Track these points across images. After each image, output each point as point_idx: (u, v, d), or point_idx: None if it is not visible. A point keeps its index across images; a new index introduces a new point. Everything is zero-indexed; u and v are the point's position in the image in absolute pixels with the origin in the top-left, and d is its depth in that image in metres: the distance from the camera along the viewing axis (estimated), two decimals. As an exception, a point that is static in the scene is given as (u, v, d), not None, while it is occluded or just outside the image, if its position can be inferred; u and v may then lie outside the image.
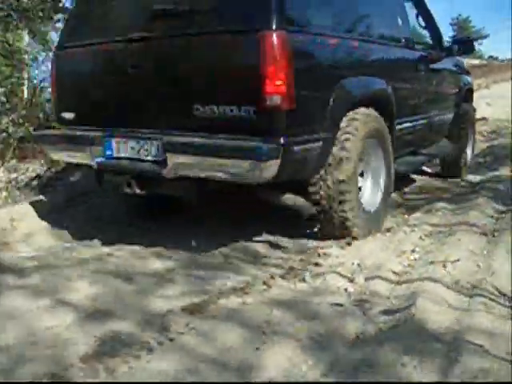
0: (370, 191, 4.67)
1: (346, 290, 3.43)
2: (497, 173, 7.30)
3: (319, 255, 4.10)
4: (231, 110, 3.61)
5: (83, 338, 2.80)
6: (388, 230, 4.77)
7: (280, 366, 2.54)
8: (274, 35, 3.50)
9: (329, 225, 4.30)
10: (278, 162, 3.50)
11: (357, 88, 4.35)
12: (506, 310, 3.07)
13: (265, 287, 3.51)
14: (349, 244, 4.30)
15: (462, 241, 4.27)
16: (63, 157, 4.78)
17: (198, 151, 3.71)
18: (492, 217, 5.09)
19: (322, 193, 4.15)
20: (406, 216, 5.26)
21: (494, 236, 4.48)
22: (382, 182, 4.74)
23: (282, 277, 3.71)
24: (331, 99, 3.97)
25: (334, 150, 4.08)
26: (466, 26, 40.98)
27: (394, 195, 5.62)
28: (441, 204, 5.56)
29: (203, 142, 3.70)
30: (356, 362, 2.58)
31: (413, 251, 4.13)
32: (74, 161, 4.68)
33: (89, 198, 5.52)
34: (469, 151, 7.49)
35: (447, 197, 6.04)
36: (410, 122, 5.45)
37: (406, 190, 6.61)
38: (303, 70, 3.75)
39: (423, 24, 6.35)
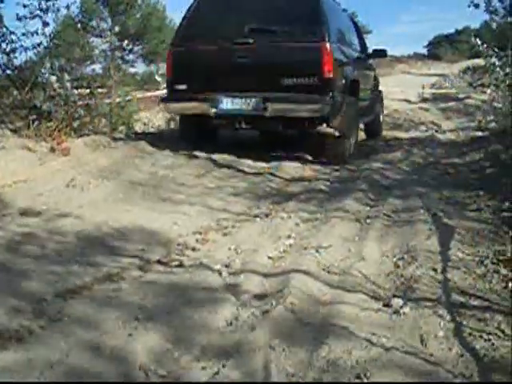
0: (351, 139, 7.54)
1: (220, 274, 3.46)
2: (372, 162, 7.64)
3: (197, 240, 4.11)
4: (304, 80, 6.58)
5: None
6: (266, 215, 4.87)
7: (151, 352, 2.53)
8: (327, 44, 6.67)
9: (335, 148, 7.14)
10: (329, 105, 6.64)
11: (349, 73, 7.55)
12: (369, 295, 3.22)
13: (141, 273, 3.47)
14: (226, 228, 4.37)
15: (336, 227, 4.45)
16: (186, 109, 7.26)
17: (288, 100, 6.65)
18: (366, 204, 5.32)
19: (341, 124, 6.98)
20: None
21: (366, 223, 4.69)
22: (354, 134, 7.74)
23: (159, 261, 3.68)
24: (343, 77, 7.12)
25: (345, 109, 7.08)
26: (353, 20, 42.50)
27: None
28: (318, 192, 5.75)
29: (292, 97, 6.64)
30: (227, 347, 2.61)
31: (288, 237, 4.24)
32: (195, 112, 7.08)
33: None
34: (381, 118, 10.80)
35: (326, 185, 6.22)
36: (366, 107, 8.62)
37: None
38: (335, 62, 6.76)
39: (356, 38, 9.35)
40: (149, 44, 28.77)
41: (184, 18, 7.37)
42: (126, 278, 3.36)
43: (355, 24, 9.84)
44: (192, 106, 7.02)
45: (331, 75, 6.58)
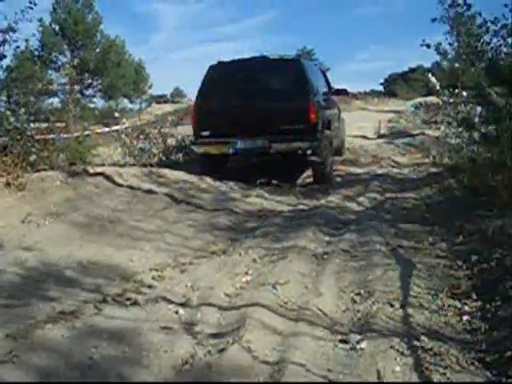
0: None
1: (176, 312, 3.43)
2: (329, 198, 7.70)
3: (154, 277, 4.07)
4: (297, 126, 8.68)
5: None
6: (224, 251, 4.85)
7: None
8: (312, 100, 8.91)
9: (321, 171, 9.25)
10: (316, 143, 8.76)
11: (325, 116, 9.66)
12: (326, 331, 3.22)
13: (96, 311, 3.41)
14: (183, 265, 4.34)
15: (294, 263, 4.45)
16: (211, 150, 9.17)
17: (285, 140, 8.74)
18: (323, 240, 5.35)
19: (324, 155, 9.06)
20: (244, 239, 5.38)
21: (323, 258, 4.70)
22: (331, 159, 9.79)
23: (115, 300, 3.62)
24: (322, 120, 9.20)
25: (325, 142, 9.23)
26: (310, 57, 43.47)
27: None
28: (276, 227, 5.77)
29: (288, 138, 8.71)
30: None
31: (246, 273, 4.23)
32: (218, 152, 9.15)
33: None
34: (345, 139, 13.43)
35: (284, 220, 6.25)
36: (335, 135, 10.67)
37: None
38: (317, 112, 8.92)
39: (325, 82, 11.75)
40: (108, 78, 28.75)
41: (203, 84, 9.64)
42: (80, 317, 3.29)
43: (322, 71, 12.68)
44: (215, 148, 9.14)
45: (315, 122, 8.82)
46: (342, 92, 12.25)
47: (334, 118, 11.19)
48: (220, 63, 9.89)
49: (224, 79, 9.55)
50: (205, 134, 9.18)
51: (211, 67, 9.77)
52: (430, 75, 11.20)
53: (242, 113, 8.95)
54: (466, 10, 9.42)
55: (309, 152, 8.87)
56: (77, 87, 24.63)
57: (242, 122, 8.94)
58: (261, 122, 8.89)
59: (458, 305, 3.65)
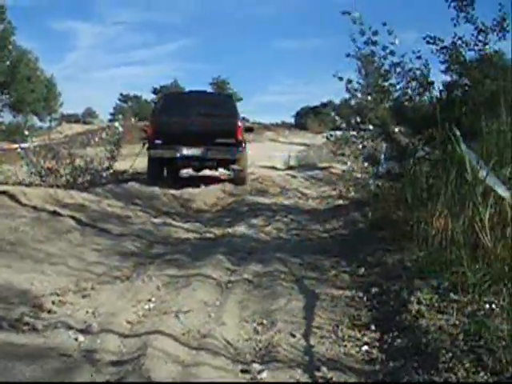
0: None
1: (76, 339, 3.34)
2: (236, 227, 7.74)
3: (54, 302, 3.95)
4: (227, 140, 12.25)
5: None
6: (128, 277, 4.78)
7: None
8: (238, 121, 12.98)
9: (240, 177, 12.87)
10: (239, 155, 12.60)
11: (244, 138, 13.10)
12: (228, 361, 3.23)
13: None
14: (85, 290, 4.24)
15: (197, 291, 4.44)
16: (162, 154, 12.11)
17: (218, 150, 12.24)
18: (228, 269, 5.36)
19: (242, 164, 12.86)
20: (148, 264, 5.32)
21: (227, 288, 4.72)
22: (247, 168, 13.66)
23: (11, 325, 3.48)
24: (244, 141, 13.01)
25: (244, 154, 13.11)
26: (224, 86, 44.01)
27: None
28: (181, 254, 5.75)
29: (220, 148, 12.22)
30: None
31: (149, 300, 4.19)
32: (167, 156, 12.10)
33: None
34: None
35: (190, 248, 6.23)
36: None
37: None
38: (242, 132, 12.90)
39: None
40: (17, 93, 27.81)
41: (157, 106, 13.48)
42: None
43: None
44: (165, 152, 12.04)
45: (241, 139, 12.39)
46: (250, 130, 15.61)
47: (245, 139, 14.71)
48: (171, 93, 14.82)
49: (174, 104, 13.31)
50: (158, 142, 12.10)
51: (165, 94, 15.14)
52: (333, 114, 12.30)
53: (187, 128, 12.04)
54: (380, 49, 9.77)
55: (234, 160, 12.36)
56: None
57: (187, 135, 11.98)
58: (201, 136, 12.04)
59: (358, 335, 3.75)
